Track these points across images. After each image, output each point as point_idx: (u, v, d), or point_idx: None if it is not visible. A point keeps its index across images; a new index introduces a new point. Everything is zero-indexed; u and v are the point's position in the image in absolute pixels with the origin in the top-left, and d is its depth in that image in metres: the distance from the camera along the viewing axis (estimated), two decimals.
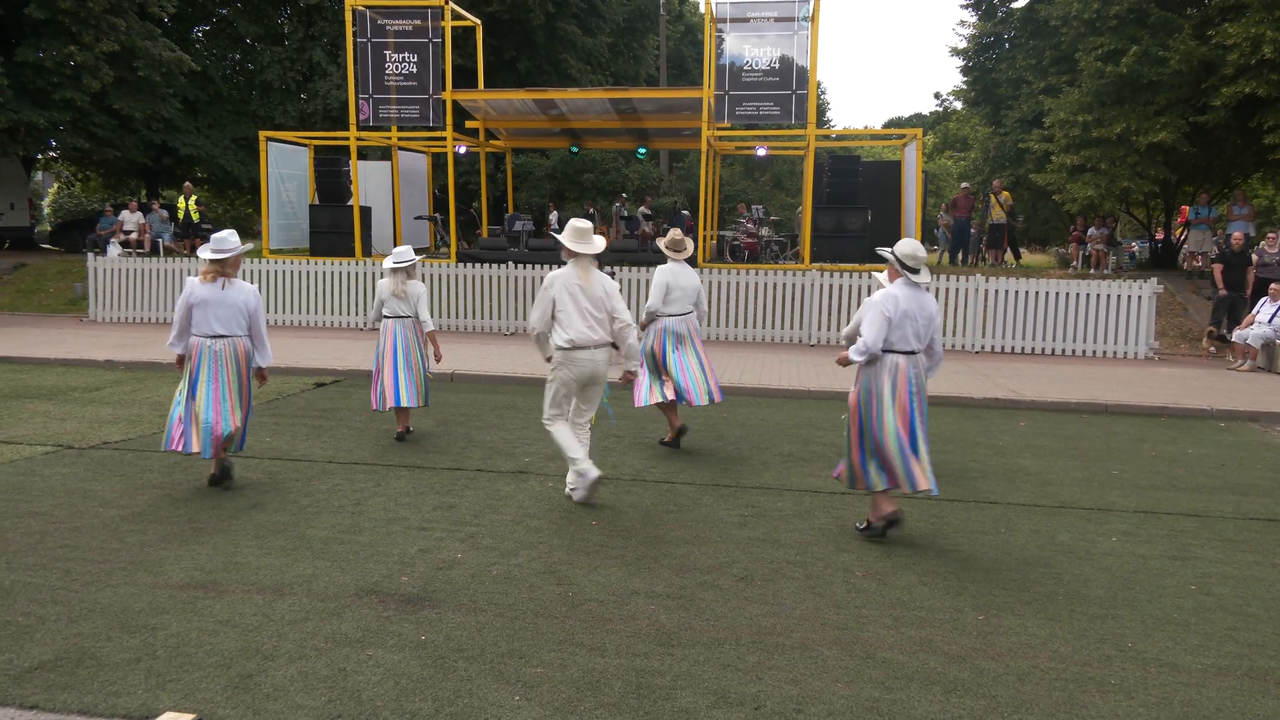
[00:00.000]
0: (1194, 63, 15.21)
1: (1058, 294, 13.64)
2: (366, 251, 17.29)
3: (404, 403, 7.53)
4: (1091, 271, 16.69)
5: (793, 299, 14.41)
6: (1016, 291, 13.76)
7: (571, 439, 5.84)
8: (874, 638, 3.92)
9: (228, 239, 5.94)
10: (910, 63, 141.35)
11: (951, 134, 39.87)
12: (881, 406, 5.15)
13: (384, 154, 20.80)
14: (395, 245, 18.50)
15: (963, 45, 26.23)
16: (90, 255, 16.60)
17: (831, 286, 14.25)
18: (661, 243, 7.54)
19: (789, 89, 15.29)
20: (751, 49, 15.32)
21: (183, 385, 5.98)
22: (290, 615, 4.00)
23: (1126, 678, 3.63)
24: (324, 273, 15.71)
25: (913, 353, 5.21)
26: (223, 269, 5.91)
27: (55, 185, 42.22)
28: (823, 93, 54.44)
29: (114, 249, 17.87)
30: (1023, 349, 13.73)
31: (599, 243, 5.87)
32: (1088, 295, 13.52)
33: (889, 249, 5.33)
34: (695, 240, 17.16)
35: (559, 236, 5.97)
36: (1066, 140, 16.88)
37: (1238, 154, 17.38)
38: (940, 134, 41.88)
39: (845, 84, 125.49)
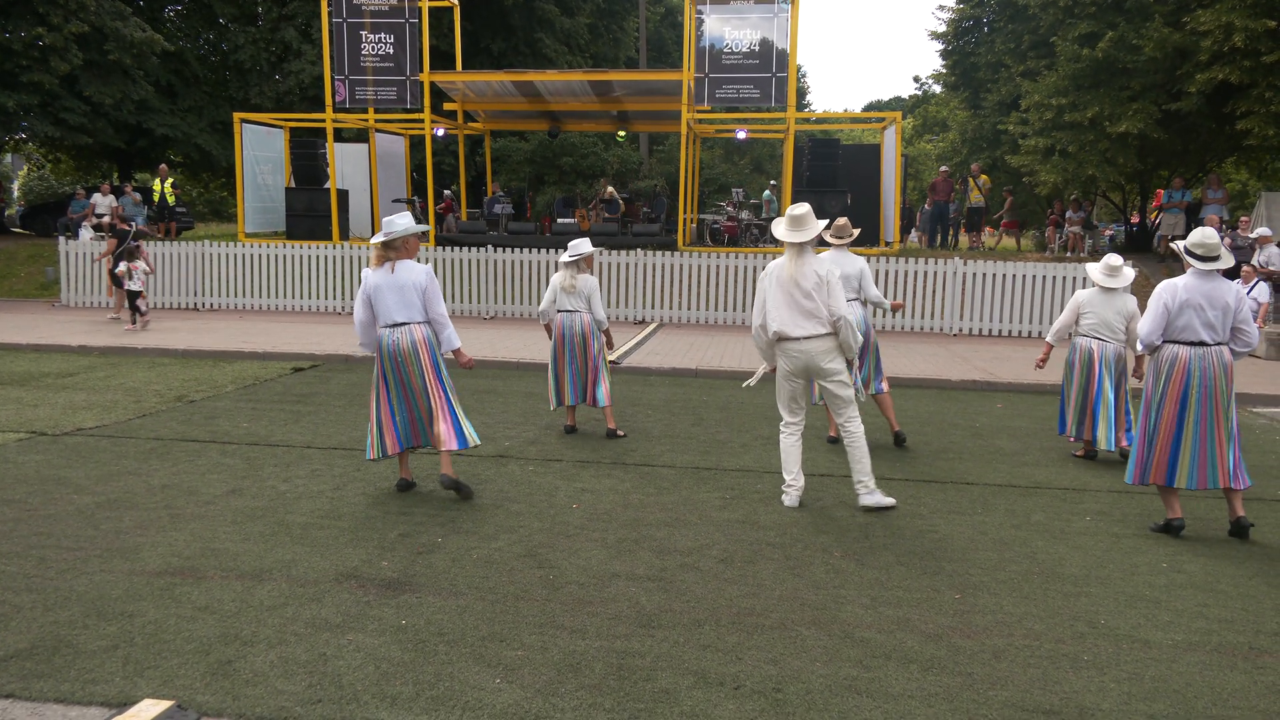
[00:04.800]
0: (1168, 49, 15.28)
1: (1034, 277, 13.75)
2: (344, 235, 17.14)
3: (570, 400, 7.25)
4: (1068, 255, 16.82)
5: None
6: (994, 274, 13.86)
7: (786, 455, 5.67)
8: (852, 617, 3.96)
9: (395, 221, 5.61)
10: (889, 46, 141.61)
11: (931, 117, 39.93)
12: (1160, 399, 5.15)
13: (361, 136, 20.57)
14: (372, 229, 18.45)
15: (942, 29, 26.22)
16: (62, 239, 16.35)
17: None
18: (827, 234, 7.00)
19: (769, 72, 15.25)
20: (732, 31, 15.26)
21: (373, 388, 5.66)
22: (269, 601, 3.99)
23: (1099, 654, 3.69)
24: (301, 256, 15.57)
25: (1201, 343, 5.05)
26: (392, 253, 5.60)
27: (25, 168, 41.46)
28: (803, 76, 54.38)
29: (86, 232, 17.59)
30: (1000, 331, 13.85)
31: (811, 229, 5.38)
32: (1064, 278, 13.64)
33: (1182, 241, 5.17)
34: (676, 224, 17.15)
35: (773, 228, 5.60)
36: (1041, 123, 16.96)
37: (1212, 139, 17.52)
38: (920, 117, 41.93)
39: (825, 67, 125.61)
